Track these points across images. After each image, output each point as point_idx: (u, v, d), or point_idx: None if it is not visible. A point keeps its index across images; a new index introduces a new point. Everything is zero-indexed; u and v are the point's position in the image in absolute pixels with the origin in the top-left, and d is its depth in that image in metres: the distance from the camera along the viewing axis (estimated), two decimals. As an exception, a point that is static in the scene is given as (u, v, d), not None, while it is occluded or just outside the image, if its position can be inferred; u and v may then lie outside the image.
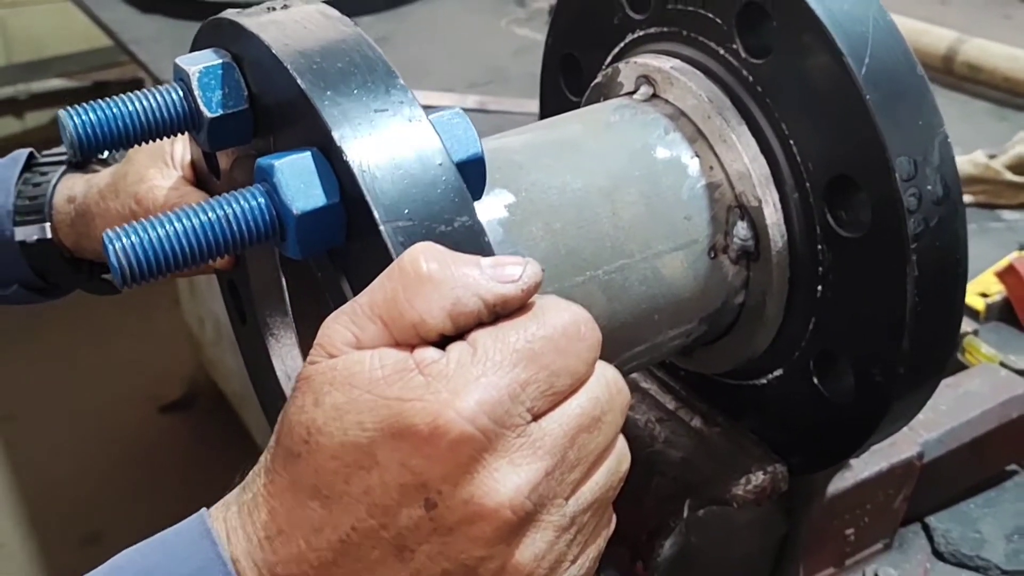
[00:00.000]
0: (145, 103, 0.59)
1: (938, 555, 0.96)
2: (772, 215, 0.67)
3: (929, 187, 0.61)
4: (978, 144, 1.68)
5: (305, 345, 0.74)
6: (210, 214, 0.51)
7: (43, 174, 0.89)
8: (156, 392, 3.48)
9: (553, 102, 0.86)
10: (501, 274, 0.47)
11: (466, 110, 1.69)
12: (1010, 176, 1.49)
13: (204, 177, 0.76)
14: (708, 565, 0.85)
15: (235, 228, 0.52)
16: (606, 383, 0.48)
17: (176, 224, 0.51)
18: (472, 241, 0.51)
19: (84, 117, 0.58)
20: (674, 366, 0.83)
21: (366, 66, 0.54)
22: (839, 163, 0.63)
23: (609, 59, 0.79)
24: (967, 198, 1.52)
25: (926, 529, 0.98)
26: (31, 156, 0.90)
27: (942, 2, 2.49)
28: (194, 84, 0.58)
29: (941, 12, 2.37)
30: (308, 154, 0.52)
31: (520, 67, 2.08)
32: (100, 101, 0.59)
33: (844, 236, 0.65)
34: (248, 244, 0.52)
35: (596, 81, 0.78)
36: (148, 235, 0.50)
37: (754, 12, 0.66)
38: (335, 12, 0.58)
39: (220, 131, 0.59)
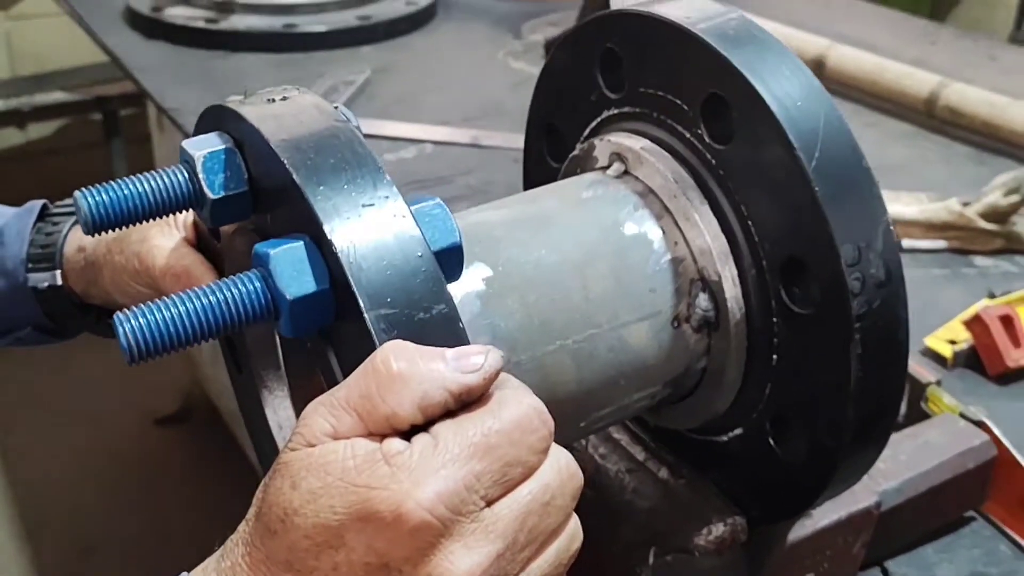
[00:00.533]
0: (153, 184, 0.64)
1: (895, 598, 1.01)
2: (731, 289, 0.72)
3: (872, 271, 0.66)
4: (957, 186, 1.73)
5: (295, 399, 0.79)
6: (211, 297, 0.57)
7: (55, 224, 0.95)
8: (152, 405, 3.52)
9: (535, 167, 0.92)
10: (465, 365, 0.52)
11: (460, 145, 1.74)
12: (983, 224, 1.54)
13: (205, 238, 0.81)
14: (674, 607, 0.91)
15: (234, 310, 0.57)
16: (558, 469, 0.53)
17: (180, 307, 0.56)
18: (447, 327, 0.56)
19: (98, 198, 0.63)
20: (642, 420, 0.89)
21: (356, 162, 0.59)
22: (792, 246, 0.69)
23: (586, 132, 0.84)
24: (941, 243, 1.58)
25: (884, 573, 1.03)
26: (44, 207, 0.96)
27: (931, 42, 2.56)
28: (199, 168, 0.64)
29: (930, 52, 2.43)
30: (301, 244, 0.57)
31: (515, 101, 2.13)
32: (112, 183, 0.64)
33: (796, 312, 0.70)
34: (246, 324, 0.58)
35: (574, 154, 0.83)
36: (155, 317, 0.56)
37: (718, 102, 0.71)
38: (328, 106, 0.63)
39: (222, 210, 0.65)
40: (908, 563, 1.04)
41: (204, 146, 0.65)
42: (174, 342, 0.56)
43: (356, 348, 0.58)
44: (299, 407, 0.79)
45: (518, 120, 2.01)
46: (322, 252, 0.57)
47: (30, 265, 0.93)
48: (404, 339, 0.55)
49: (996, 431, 1.05)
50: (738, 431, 0.79)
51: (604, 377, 0.72)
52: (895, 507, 0.99)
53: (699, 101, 0.72)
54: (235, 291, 0.57)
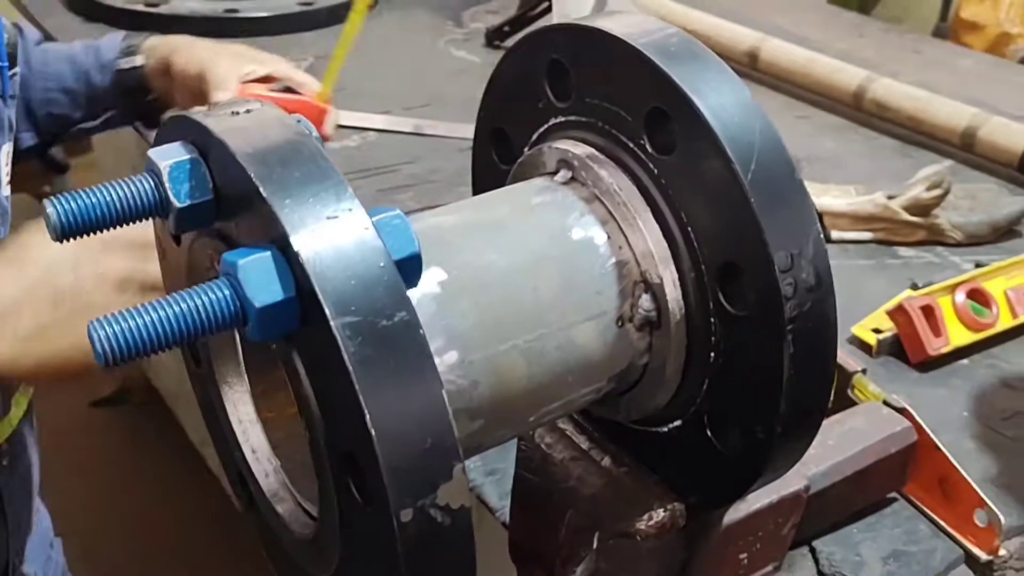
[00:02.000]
0: (121, 192, 0.66)
1: (822, 575, 1.07)
2: (672, 291, 0.77)
3: (804, 276, 0.71)
4: (883, 178, 1.80)
5: (256, 396, 0.82)
6: (183, 305, 0.59)
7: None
8: (88, 386, 3.50)
9: (484, 169, 0.95)
10: None
11: (403, 133, 1.78)
12: (906, 216, 1.61)
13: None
14: (615, 588, 0.95)
15: (205, 317, 0.60)
16: None
17: (153, 314, 0.59)
18: (408, 333, 0.60)
19: (66, 206, 0.65)
20: (587, 412, 0.93)
21: (320, 175, 0.62)
22: (728, 251, 0.73)
23: (534, 138, 0.88)
24: (867, 235, 1.65)
25: (812, 552, 1.10)
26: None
27: (859, 35, 2.63)
28: (165, 177, 0.66)
29: (858, 45, 2.51)
30: (268, 253, 0.60)
31: (457, 90, 2.16)
32: (80, 191, 0.66)
33: (733, 313, 0.75)
34: (215, 330, 0.61)
35: (522, 159, 0.87)
36: (128, 324, 0.58)
37: (660, 115, 0.75)
38: (291, 119, 0.66)
39: (187, 217, 0.67)
40: (834, 542, 1.10)
41: (170, 156, 0.67)
42: (147, 347, 0.59)
43: (321, 352, 0.61)
44: (260, 404, 0.82)
45: (460, 108, 2.04)
46: (288, 262, 0.60)
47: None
48: (369, 345, 0.59)
49: (917, 417, 1.12)
50: (677, 423, 0.83)
51: (553, 374, 0.76)
52: (822, 490, 1.05)
53: (642, 113, 0.76)
54: (205, 298, 0.60)
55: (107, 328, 0.58)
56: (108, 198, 0.66)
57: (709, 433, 0.81)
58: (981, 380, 1.34)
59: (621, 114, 0.78)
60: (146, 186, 0.67)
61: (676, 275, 0.77)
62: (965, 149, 1.89)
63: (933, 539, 1.11)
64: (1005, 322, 1.42)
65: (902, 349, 1.37)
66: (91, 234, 0.67)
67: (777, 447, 0.76)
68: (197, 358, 0.86)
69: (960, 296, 1.40)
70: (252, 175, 0.61)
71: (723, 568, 1.00)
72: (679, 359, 0.79)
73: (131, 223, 0.68)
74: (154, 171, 0.67)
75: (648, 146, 0.77)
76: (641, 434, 0.89)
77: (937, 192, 1.59)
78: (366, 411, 0.58)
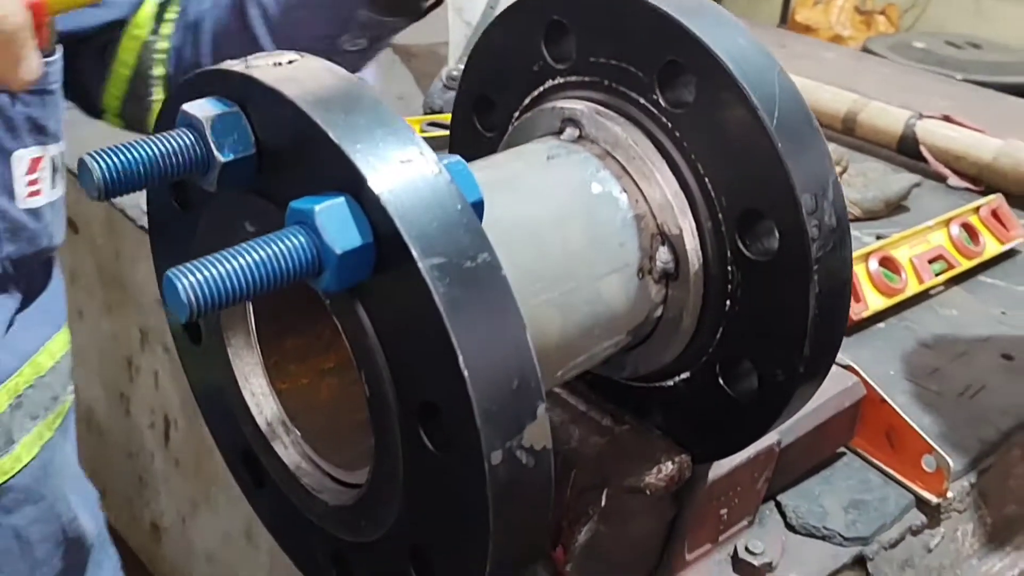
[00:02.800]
0: (162, 147, 0.63)
1: (790, 528, 1.11)
2: (690, 241, 0.78)
3: (827, 219, 0.74)
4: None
5: (268, 367, 0.80)
6: (263, 252, 0.57)
7: None
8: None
9: (466, 138, 0.95)
10: None
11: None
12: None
13: None
14: (612, 548, 0.97)
15: (283, 264, 0.58)
16: None
17: (235, 262, 0.57)
18: (492, 275, 0.60)
19: (109, 162, 0.62)
20: (582, 373, 0.94)
21: (384, 120, 0.62)
22: (750, 198, 0.76)
23: (527, 102, 0.88)
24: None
25: (779, 506, 1.13)
26: None
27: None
28: (208, 131, 0.64)
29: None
30: (343, 199, 0.59)
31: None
32: (119, 146, 0.63)
33: (752, 259, 0.77)
34: (291, 279, 0.59)
35: (519, 122, 0.87)
36: (211, 273, 0.56)
37: (675, 69, 0.77)
38: (341, 70, 0.65)
39: (230, 173, 0.65)
40: (797, 496, 1.15)
41: (210, 109, 0.65)
42: (231, 296, 0.56)
43: (398, 301, 0.60)
44: (273, 375, 0.80)
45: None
46: (363, 207, 0.59)
47: None
48: (456, 288, 0.58)
49: (863, 374, 1.17)
50: (684, 375, 0.85)
51: (583, 327, 0.77)
52: (787, 445, 1.09)
53: (655, 68, 0.78)
54: (283, 246, 0.58)
55: (190, 276, 0.55)
56: (149, 153, 0.63)
57: (721, 381, 0.83)
58: (899, 341, 1.42)
59: (631, 70, 0.80)
60: (187, 141, 0.64)
61: (694, 225, 0.79)
62: (846, 132, 2.00)
63: (885, 487, 1.17)
64: (913, 287, 1.50)
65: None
66: (132, 192, 0.64)
67: (798, 387, 0.79)
68: (195, 335, 0.82)
69: (873, 264, 1.47)
70: (319, 122, 0.60)
71: (706, 523, 1.03)
72: (696, 309, 0.81)
73: (171, 179, 0.65)
74: (194, 125, 0.65)
75: (661, 100, 0.79)
76: (642, 391, 0.90)
77: (837, 170, 1.67)
78: (459, 352, 0.57)
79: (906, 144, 1.93)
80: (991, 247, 1.62)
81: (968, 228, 1.61)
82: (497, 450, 0.59)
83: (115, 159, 0.63)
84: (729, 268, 0.79)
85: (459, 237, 0.59)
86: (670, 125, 0.79)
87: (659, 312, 0.82)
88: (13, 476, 1.15)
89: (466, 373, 0.57)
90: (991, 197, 1.67)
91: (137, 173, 0.63)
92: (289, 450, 0.78)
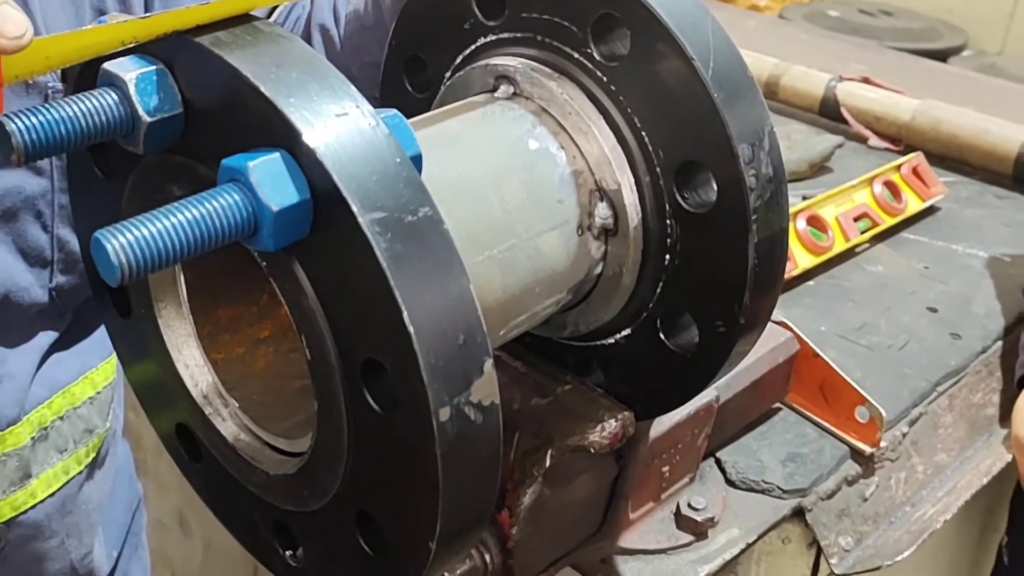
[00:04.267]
0: (82, 107, 0.61)
1: (731, 483, 1.12)
2: (629, 196, 0.78)
3: (763, 168, 0.74)
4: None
5: (202, 337, 0.78)
6: (195, 210, 0.55)
7: None
8: None
9: (394, 97, 0.93)
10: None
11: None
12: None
13: None
14: (557, 509, 0.96)
15: (217, 224, 0.56)
16: None
17: (165, 220, 0.55)
18: (435, 228, 0.58)
19: (28, 122, 0.59)
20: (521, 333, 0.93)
21: (318, 73, 0.60)
22: (688, 151, 0.75)
23: (459, 60, 0.87)
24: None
25: (718, 463, 1.14)
26: None
27: None
28: (131, 89, 0.61)
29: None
30: (277, 155, 0.57)
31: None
32: (36, 107, 0.60)
33: (691, 212, 0.77)
34: (226, 239, 0.57)
35: (451, 81, 0.86)
36: (142, 232, 0.54)
37: (609, 22, 0.76)
38: (270, 22, 0.63)
39: (155, 134, 0.63)
40: (736, 452, 1.16)
41: (133, 67, 0.62)
42: (163, 258, 0.54)
43: (338, 258, 0.59)
44: (207, 345, 0.78)
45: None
46: (299, 163, 0.58)
47: None
48: (398, 242, 0.57)
49: (795, 329, 1.19)
50: (625, 332, 0.85)
51: (524, 285, 0.76)
52: (725, 402, 1.09)
53: (589, 21, 0.77)
54: (217, 204, 0.56)
55: (120, 237, 0.53)
56: (70, 113, 0.61)
57: (662, 336, 0.83)
58: (828, 297, 1.44)
59: (564, 24, 0.79)
60: (110, 100, 0.62)
61: (632, 180, 0.78)
62: (769, 96, 2.01)
63: (820, 440, 1.18)
64: (840, 245, 1.52)
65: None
66: (56, 155, 0.61)
67: (739, 338, 0.79)
68: (124, 308, 0.80)
69: (801, 223, 1.49)
70: (250, 76, 0.58)
71: (649, 481, 1.03)
72: (635, 265, 0.80)
73: (95, 142, 0.62)
74: (116, 84, 0.62)
75: (595, 54, 0.78)
76: (582, 350, 0.90)
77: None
78: (404, 308, 0.56)
79: (827, 106, 1.95)
80: (913, 204, 1.65)
81: (891, 186, 1.64)
82: (445, 406, 0.58)
83: (34, 119, 0.60)
84: (668, 222, 0.78)
85: (399, 191, 0.58)
86: (605, 79, 0.78)
87: (599, 269, 0.82)
88: (24, 512, 1.06)
89: (411, 329, 0.56)
90: (911, 155, 1.70)
91: (58, 134, 0.60)
92: (227, 422, 0.76)
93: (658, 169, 0.77)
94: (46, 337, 1.04)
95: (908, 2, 4.42)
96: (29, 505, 1.04)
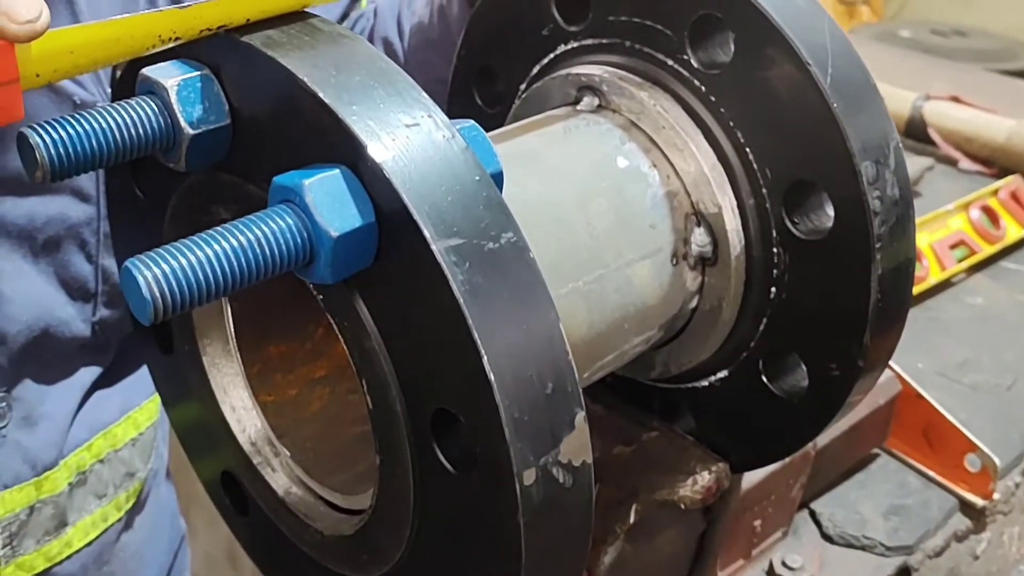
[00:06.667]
0: (118, 118, 0.53)
1: (827, 538, 1.02)
2: (730, 220, 0.69)
3: (889, 190, 0.65)
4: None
5: (250, 377, 0.70)
6: (241, 237, 0.47)
7: None
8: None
9: (464, 112, 0.85)
10: None
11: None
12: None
13: None
14: (638, 568, 0.87)
15: (266, 252, 0.48)
16: None
17: (207, 248, 0.47)
18: (519, 257, 0.50)
19: (54, 135, 0.52)
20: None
21: (385, 77, 0.52)
22: (801, 169, 0.66)
23: (536, 70, 0.79)
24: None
25: (813, 515, 1.04)
26: None
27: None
28: (173, 97, 0.54)
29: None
30: (337, 171, 0.49)
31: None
32: (65, 117, 0.53)
33: (802, 239, 0.68)
34: (276, 270, 0.49)
35: (528, 93, 0.78)
36: (177, 263, 0.46)
37: (709, 24, 0.67)
38: (330, 21, 0.55)
39: (199, 149, 0.55)
40: (832, 503, 1.05)
41: (175, 72, 0.55)
42: (203, 292, 0.46)
43: (407, 292, 0.50)
44: (255, 387, 0.70)
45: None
46: (362, 181, 0.49)
47: None
48: (477, 274, 0.48)
49: (896, 368, 1.08)
50: (722, 373, 0.76)
51: (611, 320, 0.67)
52: (822, 448, 0.99)
53: (686, 24, 0.68)
54: (266, 229, 0.48)
55: (154, 268, 0.45)
56: (103, 125, 0.53)
57: (764, 379, 0.73)
58: (925, 332, 1.33)
59: (657, 28, 0.70)
60: (148, 111, 0.54)
61: (734, 202, 0.69)
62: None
63: (925, 491, 1.07)
64: (935, 275, 1.41)
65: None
66: (87, 172, 0.54)
67: (856, 383, 0.69)
68: (167, 343, 0.72)
69: (893, 251, 1.38)
70: (306, 80, 0.50)
71: (739, 536, 0.93)
72: (736, 298, 0.71)
73: (131, 157, 0.55)
74: (156, 92, 0.54)
75: (693, 61, 0.69)
76: (669, 392, 0.81)
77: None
78: (483, 352, 0.47)
79: (914, 127, 1.84)
80: (1013, 231, 1.53)
81: (988, 211, 1.53)
82: (530, 467, 0.49)
83: (62, 132, 0.52)
84: (775, 250, 0.69)
85: (479, 214, 0.49)
86: (704, 89, 0.69)
87: (694, 302, 0.72)
88: (59, 563, 0.98)
89: (492, 376, 0.47)
90: (1009, 179, 1.58)
91: (89, 149, 0.53)
92: (277, 472, 0.68)
93: (764, 190, 0.68)
94: (88, 374, 0.97)
95: (983, 21, 4.28)
96: (64, 556, 0.96)
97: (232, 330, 0.69)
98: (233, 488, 0.72)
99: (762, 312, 0.71)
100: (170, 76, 0.54)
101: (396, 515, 0.57)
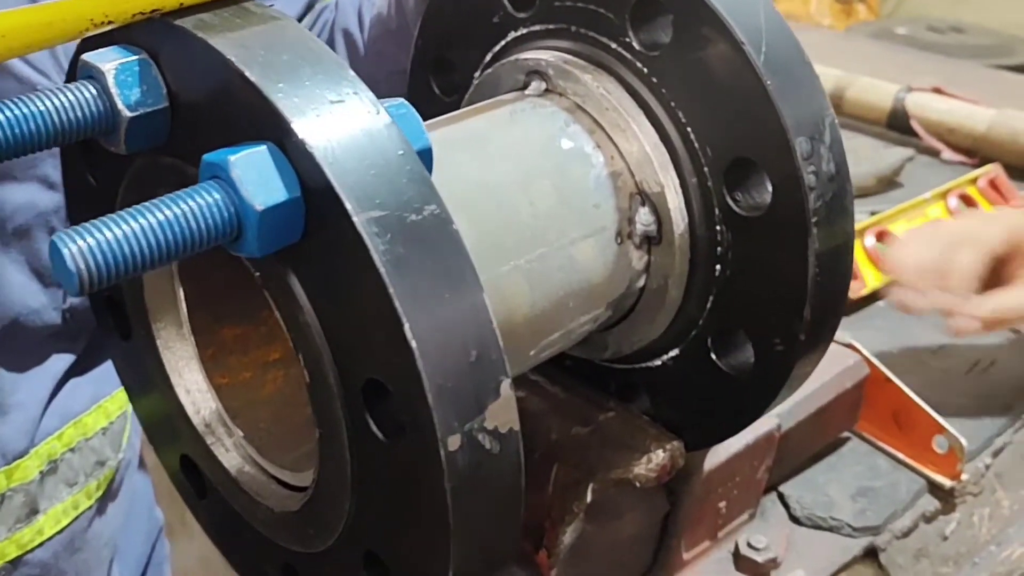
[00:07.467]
0: (56, 102, 0.55)
1: (795, 520, 1.03)
2: (673, 199, 0.70)
3: (824, 165, 0.66)
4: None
5: (204, 359, 0.71)
6: (168, 211, 0.49)
7: None
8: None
9: (422, 102, 0.86)
10: None
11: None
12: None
13: None
14: (601, 548, 0.88)
15: (193, 226, 0.49)
16: None
17: (134, 223, 0.48)
18: (442, 229, 0.51)
19: (-6, 116, 0.53)
20: (558, 356, 0.85)
21: (313, 56, 0.53)
22: (739, 147, 0.67)
23: (488, 58, 0.80)
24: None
25: (781, 497, 1.05)
26: None
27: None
28: (110, 81, 0.55)
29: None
30: (263, 148, 0.51)
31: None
32: (5, 101, 0.54)
33: (743, 216, 0.69)
34: (204, 244, 0.50)
35: (479, 80, 0.79)
36: (104, 236, 0.47)
37: (649, 6, 0.69)
38: (268, 8, 0.56)
39: (138, 131, 0.56)
40: (801, 486, 1.06)
41: (112, 57, 0.56)
42: (130, 264, 0.48)
43: (332, 264, 0.51)
44: (210, 369, 0.71)
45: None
46: (289, 157, 0.51)
47: None
48: (399, 244, 0.49)
49: (864, 351, 1.09)
50: (673, 352, 0.77)
51: (555, 299, 0.68)
52: (789, 430, 1.00)
53: (627, 8, 0.70)
54: (193, 204, 0.49)
55: (79, 241, 0.47)
56: (42, 108, 0.54)
57: (714, 356, 0.75)
58: (900, 319, 1.33)
59: (600, 12, 0.72)
60: (87, 95, 0.56)
61: (677, 181, 0.70)
62: (834, 110, 1.91)
63: (894, 473, 1.08)
64: (912, 263, 1.42)
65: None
66: (24, 155, 0.55)
67: (799, 357, 0.70)
68: (125, 329, 0.74)
69: (869, 240, 1.39)
70: (234, 60, 0.51)
71: (704, 518, 0.94)
72: (682, 276, 0.72)
73: (70, 141, 0.56)
74: (95, 76, 0.56)
75: (635, 44, 0.70)
76: (625, 373, 0.82)
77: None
78: (404, 320, 0.49)
79: (896, 119, 1.84)
80: (991, 219, 1.54)
81: (966, 200, 1.53)
82: (455, 433, 0.50)
83: (2, 114, 0.54)
84: (718, 228, 0.70)
85: (401, 187, 0.51)
86: (646, 70, 0.70)
87: (642, 281, 0.74)
88: (31, 550, 1.00)
89: (413, 344, 0.49)
90: (988, 167, 1.59)
91: (27, 132, 0.54)
92: (231, 453, 0.70)
93: (706, 169, 0.69)
94: (59, 362, 0.99)
95: (980, 18, 4.28)
96: (36, 543, 0.98)
97: (185, 313, 0.70)
98: (192, 471, 0.74)
99: (708, 290, 0.72)
100: (108, 60, 0.56)
101: (336, 487, 0.58)
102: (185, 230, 0.49)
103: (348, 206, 0.49)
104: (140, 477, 1.16)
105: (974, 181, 1.56)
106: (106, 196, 0.66)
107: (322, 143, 0.50)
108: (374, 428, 0.53)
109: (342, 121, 0.51)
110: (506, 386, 0.52)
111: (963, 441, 1.05)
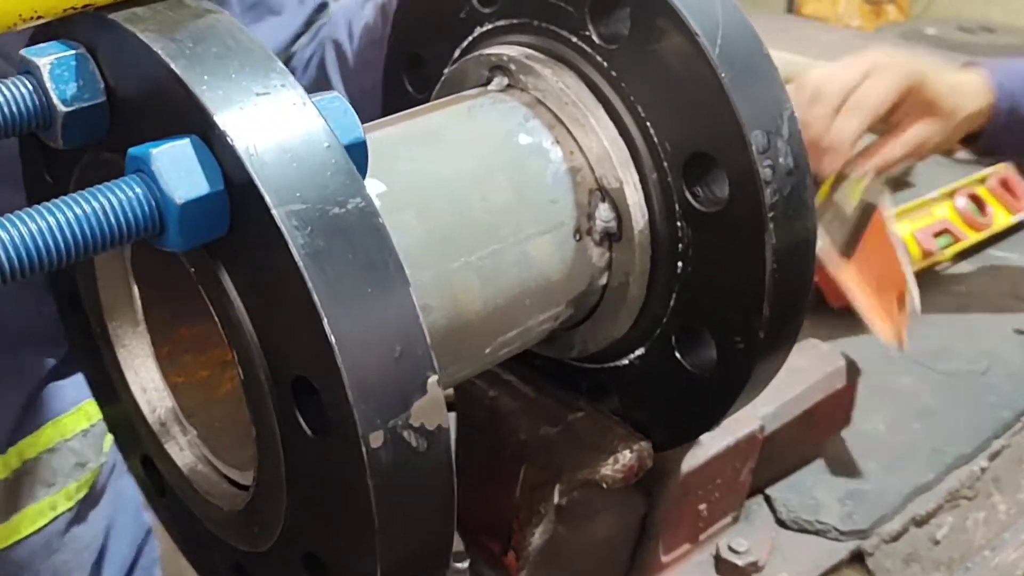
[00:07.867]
0: (-9, 97, 0.55)
1: (781, 523, 1.01)
2: (633, 195, 0.69)
3: (781, 159, 0.65)
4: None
5: (161, 358, 0.71)
6: (86, 206, 0.48)
7: None
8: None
9: (396, 100, 0.86)
10: None
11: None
12: (804, 170, 1.58)
13: None
14: (573, 553, 0.87)
15: (114, 220, 0.49)
16: None
17: (51, 218, 0.48)
18: (367, 222, 0.50)
19: (-78, 114, 0.53)
20: (529, 355, 0.84)
21: (241, 50, 0.52)
22: (696, 141, 0.66)
23: (457, 53, 0.79)
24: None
25: (767, 500, 1.03)
26: None
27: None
28: (45, 76, 0.55)
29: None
30: (186, 141, 0.50)
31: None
32: (-61, 96, 0.54)
33: (703, 211, 0.67)
34: (127, 237, 0.50)
35: (446, 76, 0.78)
36: (20, 230, 0.47)
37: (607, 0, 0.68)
38: (204, 1, 0.56)
39: (75, 126, 0.56)
40: (787, 488, 1.04)
41: (49, 52, 0.56)
42: (48, 258, 0.48)
43: (259, 258, 0.51)
44: (166, 368, 0.71)
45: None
46: (212, 149, 0.50)
47: None
48: (320, 236, 0.49)
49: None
50: (639, 351, 0.76)
51: (510, 296, 0.67)
52: (773, 432, 0.98)
53: (587, 1, 0.69)
54: (112, 198, 0.49)
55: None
56: (-27, 103, 0.54)
57: (678, 355, 0.73)
58: (902, 320, 1.32)
59: (560, 5, 0.71)
60: (24, 89, 0.55)
61: (637, 178, 0.69)
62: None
63: (884, 476, 1.06)
64: (917, 263, 1.40)
65: (822, 296, 1.33)
66: None
67: (759, 356, 0.69)
68: (86, 327, 0.73)
69: (866, 241, 1.37)
70: (160, 53, 0.51)
71: (683, 521, 0.93)
72: (643, 274, 0.71)
73: (7, 136, 0.56)
74: (32, 71, 0.56)
75: (594, 37, 0.69)
76: (594, 372, 0.81)
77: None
78: (323, 315, 0.48)
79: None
80: (1000, 219, 1.51)
81: (975, 199, 1.50)
82: (378, 430, 0.49)
83: (-69, 111, 0.54)
84: (678, 224, 0.69)
85: (324, 180, 0.50)
86: (606, 64, 0.69)
87: (603, 279, 0.72)
88: (6, 549, 0.99)
89: (332, 338, 0.48)
90: (999, 166, 1.56)
91: (-40, 126, 0.54)
92: (184, 451, 0.69)
93: (665, 164, 0.68)
94: (40, 366, 0.99)
95: (1011, 18, 4.21)
96: (11, 542, 0.98)
97: (141, 310, 0.70)
98: (152, 469, 0.74)
99: (671, 287, 0.71)
100: (45, 55, 0.56)
101: (273, 485, 0.57)
102: (104, 224, 0.49)
103: (267, 199, 0.48)
104: (127, 482, 1.16)
105: (984, 180, 1.53)
106: (61, 193, 0.66)
107: (244, 136, 0.49)
108: (303, 425, 0.53)
109: (266, 114, 0.50)
110: (432, 382, 0.51)
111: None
